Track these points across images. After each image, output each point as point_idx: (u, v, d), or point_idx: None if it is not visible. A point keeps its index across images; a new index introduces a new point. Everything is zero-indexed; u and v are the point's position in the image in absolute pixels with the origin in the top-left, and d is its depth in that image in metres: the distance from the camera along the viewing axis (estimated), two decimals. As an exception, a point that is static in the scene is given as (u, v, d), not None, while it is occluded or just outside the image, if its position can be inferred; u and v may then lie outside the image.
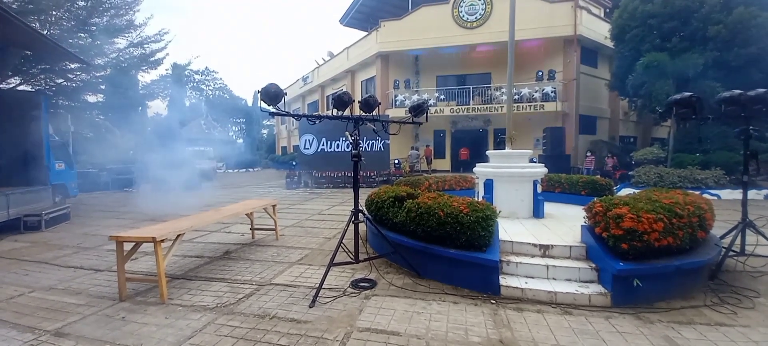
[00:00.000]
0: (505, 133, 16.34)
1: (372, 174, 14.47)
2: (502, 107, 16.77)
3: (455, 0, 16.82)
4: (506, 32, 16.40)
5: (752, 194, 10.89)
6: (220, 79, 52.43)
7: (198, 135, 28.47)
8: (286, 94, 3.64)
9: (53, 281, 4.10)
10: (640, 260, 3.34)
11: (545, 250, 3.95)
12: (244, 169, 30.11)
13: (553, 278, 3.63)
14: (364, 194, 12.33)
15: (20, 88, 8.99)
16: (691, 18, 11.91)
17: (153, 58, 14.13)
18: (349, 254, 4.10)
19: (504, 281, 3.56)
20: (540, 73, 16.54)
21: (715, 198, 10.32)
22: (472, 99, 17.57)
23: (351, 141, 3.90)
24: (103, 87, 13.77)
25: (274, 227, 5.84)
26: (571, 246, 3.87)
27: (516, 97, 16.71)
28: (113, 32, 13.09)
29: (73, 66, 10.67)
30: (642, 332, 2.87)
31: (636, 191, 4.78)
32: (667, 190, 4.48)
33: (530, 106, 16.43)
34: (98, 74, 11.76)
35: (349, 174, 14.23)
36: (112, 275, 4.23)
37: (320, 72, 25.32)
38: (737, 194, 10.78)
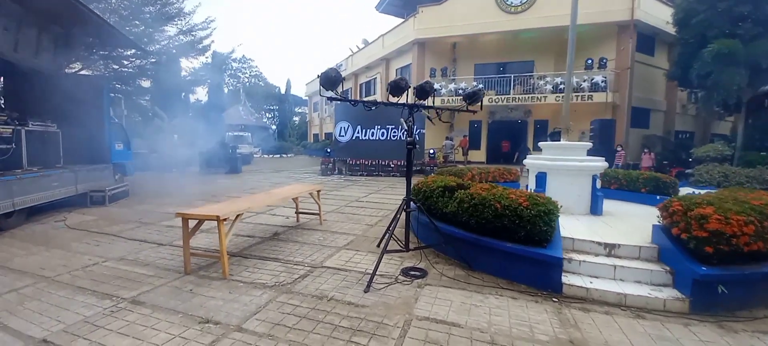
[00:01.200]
0: (553, 125, 15.53)
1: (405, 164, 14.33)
2: (545, 97, 15.96)
3: (498, -16, 16.05)
4: (553, 16, 15.50)
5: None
6: (256, 66, 53.94)
7: (237, 120, 29.63)
8: (344, 79, 3.60)
9: (122, 252, 4.39)
10: (723, 264, 3.03)
11: (611, 249, 3.70)
12: (278, 155, 31.01)
13: (621, 279, 3.39)
14: (397, 183, 12.45)
15: (82, 73, 9.67)
16: (763, 1, 10.60)
17: (201, 45, 14.69)
18: (398, 241, 4.05)
19: (566, 279, 3.37)
20: (590, 61, 15.50)
21: None
22: (513, 88, 16.84)
23: (406, 128, 3.81)
24: (152, 73, 14.51)
25: (318, 212, 5.92)
26: (640, 246, 3.59)
27: (561, 86, 15.82)
28: (165, 19, 13.70)
29: (128, 53, 11.31)
30: (726, 341, 2.62)
31: (697, 191, 4.35)
32: (752, 189, 4.03)
33: (577, 96, 15.49)
34: (152, 60, 12.39)
35: (384, 162, 14.24)
36: (175, 250, 4.46)
37: (354, 60, 25.32)
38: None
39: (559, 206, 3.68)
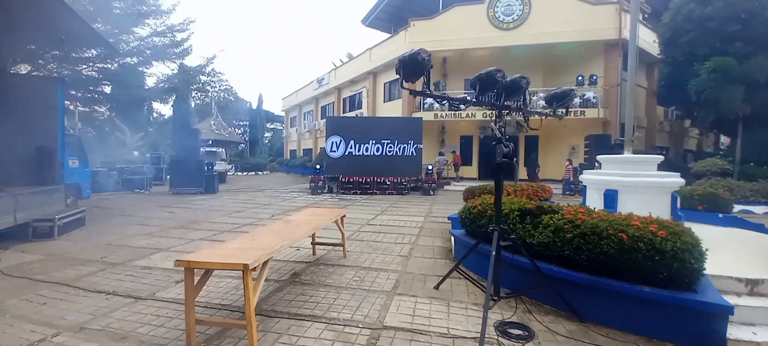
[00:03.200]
0: (543, 141, 15.09)
1: (403, 180, 13.46)
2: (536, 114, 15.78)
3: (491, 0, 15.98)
4: (545, 33, 15.59)
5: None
6: (226, 80, 51.37)
7: (208, 135, 27.49)
8: (431, 66, 2.63)
9: (84, 315, 3.03)
10: None
11: (753, 286, 2.94)
12: (253, 173, 29.04)
13: (789, 329, 2.60)
14: (399, 202, 11.47)
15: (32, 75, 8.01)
16: (754, 21, 11.04)
17: (179, 48, 13.05)
18: (475, 283, 3.06)
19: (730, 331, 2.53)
20: (581, 78, 15.63)
21: (751, 213, 9.31)
22: (505, 104, 16.60)
23: (497, 136, 2.88)
24: (117, 79, 12.67)
25: (341, 242, 4.79)
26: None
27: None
28: (137, 18, 12.05)
29: (90, 54, 9.64)
30: None
31: (747, 208, 3.79)
32: None
33: (570, 112, 15.47)
34: (119, 62, 10.67)
35: (379, 179, 13.25)
36: (162, 307, 3.18)
37: (337, 73, 24.45)
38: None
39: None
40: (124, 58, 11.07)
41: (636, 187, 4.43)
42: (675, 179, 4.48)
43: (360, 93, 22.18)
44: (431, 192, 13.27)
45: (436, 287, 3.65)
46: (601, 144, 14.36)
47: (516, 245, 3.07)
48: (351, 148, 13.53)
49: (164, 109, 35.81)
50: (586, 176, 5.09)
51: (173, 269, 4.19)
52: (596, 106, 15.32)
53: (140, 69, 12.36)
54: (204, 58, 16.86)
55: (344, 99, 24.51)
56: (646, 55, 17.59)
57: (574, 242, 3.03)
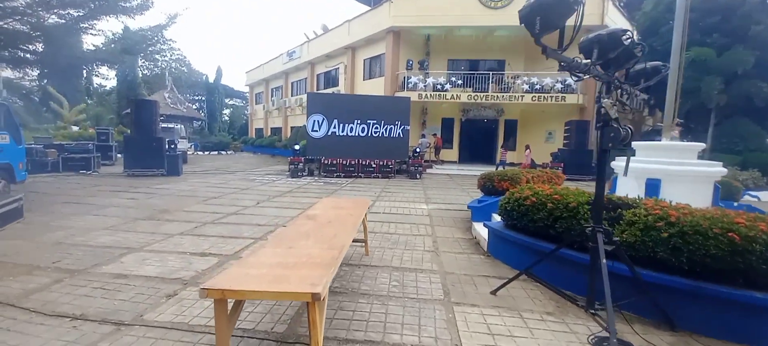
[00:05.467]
0: (522, 125, 15.05)
1: (389, 163, 12.84)
2: (521, 97, 15.80)
3: (480, -24, 15.39)
4: (530, 16, 15.41)
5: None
6: (178, 49, 46.39)
7: (162, 109, 24.76)
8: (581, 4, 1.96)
9: (42, 356, 2.13)
10: None
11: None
12: (216, 152, 26.81)
13: None
14: (389, 186, 10.84)
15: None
16: (732, 15, 11.52)
17: (135, 1, 10.89)
18: (539, 287, 2.58)
19: None
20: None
21: (756, 199, 10.06)
22: (490, 86, 16.41)
23: (611, 116, 2.32)
24: (47, 39, 10.47)
25: (363, 239, 4.11)
26: None
27: (537, 86, 15.83)
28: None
29: (18, 2, 7.69)
30: None
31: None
32: None
33: (551, 97, 15.63)
34: (53, 14, 8.66)
35: (364, 162, 12.55)
36: (155, 337, 2.34)
37: (311, 47, 22.82)
38: (777, 196, 10.63)
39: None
40: (64, 8, 9.00)
41: (681, 175, 4.19)
42: (718, 169, 4.30)
43: (336, 69, 20.89)
44: (418, 175, 12.81)
45: (494, 293, 3.14)
46: (580, 130, 14.71)
47: (620, 253, 2.57)
48: (334, 127, 12.58)
49: (106, 80, 31.68)
50: (620, 164, 4.79)
51: (158, 278, 3.29)
52: (575, 93, 15.55)
53: (84, 24, 10.15)
54: (166, 15, 14.42)
55: (318, 75, 23.05)
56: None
57: (670, 243, 2.62)
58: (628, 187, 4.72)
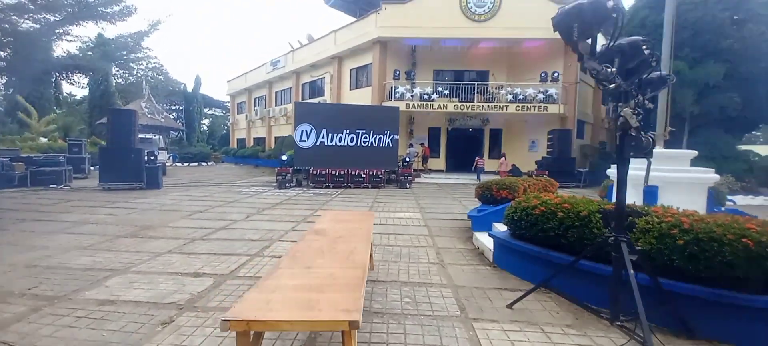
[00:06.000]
0: (507, 134, 15.27)
1: (379, 173, 12.74)
2: (506, 107, 16.14)
3: (464, -11, 15.76)
4: (513, 28, 15.82)
5: (760, 200, 11.46)
6: (155, 57, 44.89)
7: (140, 120, 23.76)
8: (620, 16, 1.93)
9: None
10: None
11: None
12: (196, 164, 25.90)
13: None
14: (381, 196, 10.70)
15: None
16: (703, 30, 12.22)
17: (117, 6, 10.31)
18: (578, 303, 2.53)
19: None
20: (544, 75, 16.23)
21: (733, 203, 10.59)
22: (475, 96, 16.69)
23: (632, 125, 2.31)
24: (16, 45, 9.81)
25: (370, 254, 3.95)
26: None
27: (520, 96, 16.22)
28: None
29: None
30: None
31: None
32: None
33: (533, 107, 16.05)
34: (27, 19, 8.07)
35: (353, 172, 12.40)
36: (161, 374, 2.10)
37: (296, 56, 22.61)
38: (749, 200, 11.24)
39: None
40: (40, 13, 8.39)
41: (677, 182, 4.30)
42: (711, 175, 4.44)
43: (322, 79, 20.75)
44: (408, 185, 12.75)
45: (510, 306, 3.06)
46: (563, 139, 15.15)
47: (645, 265, 2.54)
48: (323, 137, 12.39)
49: (77, 88, 30.16)
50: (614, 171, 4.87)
51: (149, 303, 3.03)
52: (557, 103, 16.03)
53: (59, 30, 9.51)
54: (148, 22, 13.79)
55: (303, 84, 22.82)
56: (597, 57, 18.92)
57: (686, 250, 2.63)
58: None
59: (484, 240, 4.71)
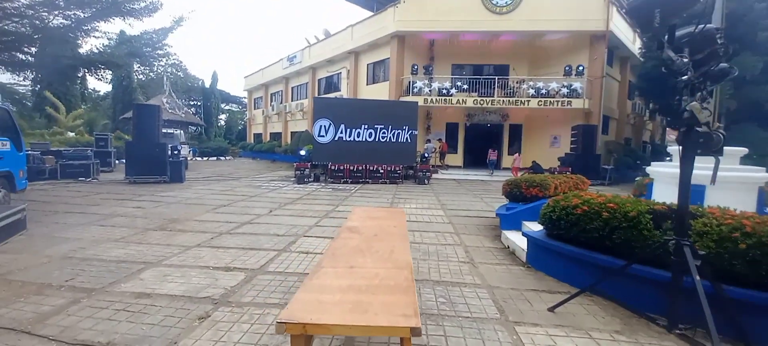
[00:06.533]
0: (527, 129, 14.99)
1: (397, 168, 12.63)
2: (528, 102, 15.73)
3: (485, -19, 15.37)
4: (537, 21, 15.35)
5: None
6: (175, 54, 45.81)
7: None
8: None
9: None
10: None
11: None
12: (215, 158, 26.39)
13: None
14: (400, 192, 10.59)
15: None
16: (739, 22, 11.55)
17: (142, 3, 10.55)
18: (632, 310, 2.37)
19: None
20: (568, 68, 15.71)
21: None
22: (495, 91, 16.33)
23: (687, 117, 2.13)
24: (46, 42, 10.11)
25: (397, 249, 3.86)
26: None
27: (543, 91, 15.77)
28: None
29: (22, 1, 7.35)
30: None
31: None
32: None
33: (557, 101, 15.57)
34: (58, 15, 8.32)
35: (372, 167, 12.33)
36: (203, 372, 2.07)
37: (312, 52, 22.63)
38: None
39: None
40: (70, 9, 8.63)
41: (725, 181, 4.02)
42: (763, 174, 4.15)
43: (338, 74, 20.71)
44: (426, 181, 12.60)
45: (552, 310, 2.92)
46: (588, 135, 14.64)
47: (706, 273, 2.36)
48: (341, 132, 12.35)
49: (102, 84, 31.05)
50: (659, 169, 4.63)
51: (184, 297, 3.02)
52: (581, 97, 15.51)
53: (86, 26, 9.77)
54: (172, 18, 14.04)
55: (320, 80, 22.85)
56: (623, 50, 18.23)
57: (748, 255, 2.43)
58: (665, 194, 4.55)
59: (516, 239, 4.55)
